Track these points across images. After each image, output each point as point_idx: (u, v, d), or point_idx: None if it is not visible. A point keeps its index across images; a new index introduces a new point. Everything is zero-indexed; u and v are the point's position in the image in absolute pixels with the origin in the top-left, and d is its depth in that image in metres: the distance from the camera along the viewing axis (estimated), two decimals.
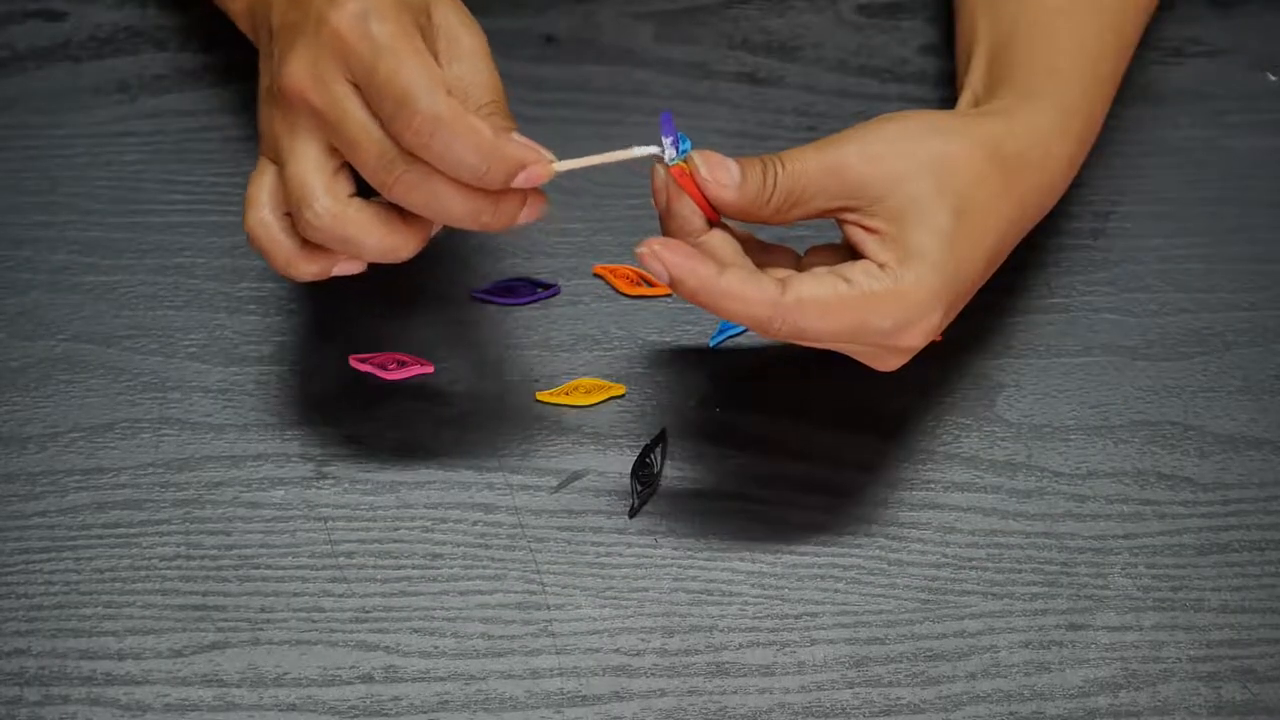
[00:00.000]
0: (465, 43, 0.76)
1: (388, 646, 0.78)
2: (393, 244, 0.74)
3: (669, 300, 0.88)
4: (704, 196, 0.75)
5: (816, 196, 0.75)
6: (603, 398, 0.85)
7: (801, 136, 0.93)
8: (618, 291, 0.89)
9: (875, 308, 0.74)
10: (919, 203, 0.74)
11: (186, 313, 0.87)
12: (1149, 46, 0.97)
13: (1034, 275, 0.89)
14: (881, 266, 0.74)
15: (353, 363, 0.85)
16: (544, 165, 0.73)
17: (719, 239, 0.76)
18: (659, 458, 0.83)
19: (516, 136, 0.73)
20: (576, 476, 0.82)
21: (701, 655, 0.79)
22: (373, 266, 0.75)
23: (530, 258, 0.89)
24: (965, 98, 0.83)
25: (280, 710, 0.77)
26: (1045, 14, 0.84)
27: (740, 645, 0.79)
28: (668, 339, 0.87)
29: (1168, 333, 0.88)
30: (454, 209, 0.73)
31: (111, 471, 0.82)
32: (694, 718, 0.77)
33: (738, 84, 0.95)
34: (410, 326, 0.87)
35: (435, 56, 0.74)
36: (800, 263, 0.78)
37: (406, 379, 0.85)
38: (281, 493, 0.82)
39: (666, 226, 0.75)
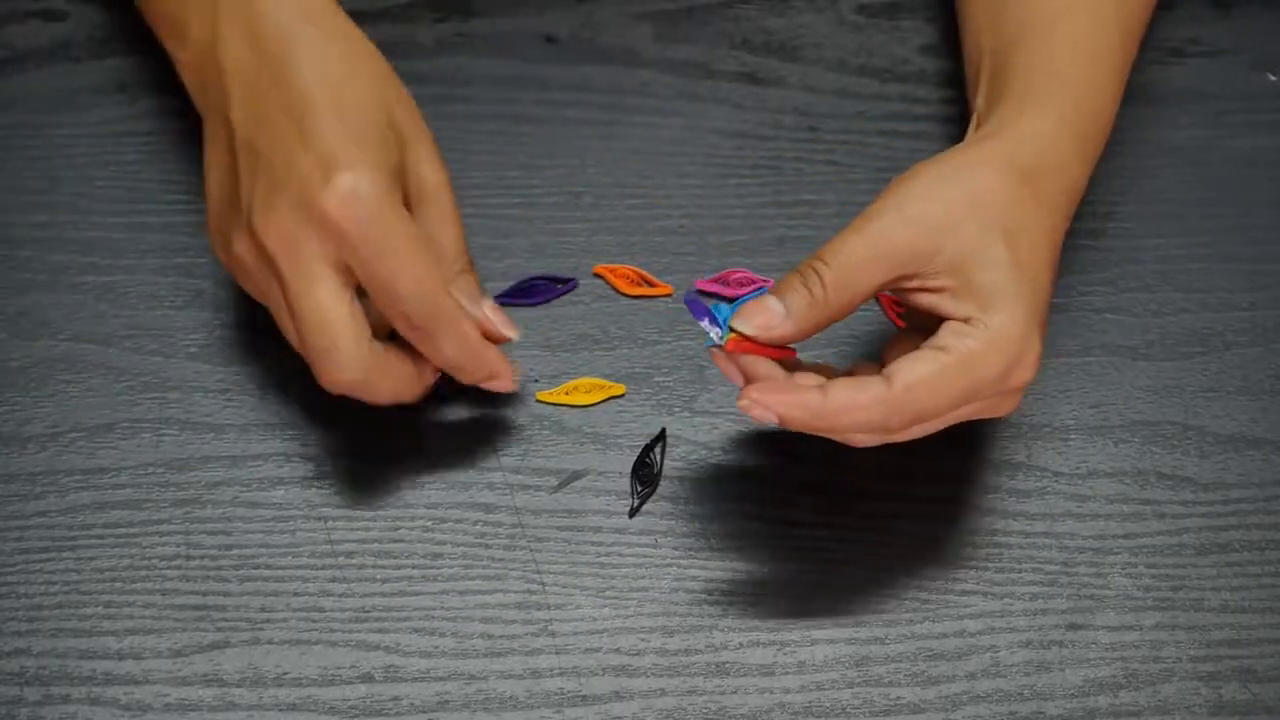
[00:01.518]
0: (430, 181, 0.80)
1: (388, 646, 0.78)
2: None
3: (669, 301, 0.88)
4: (767, 347, 0.75)
5: (870, 277, 0.74)
6: (603, 398, 0.85)
7: (801, 136, 0.93)
8: (618, 291, 0.89)
9: (980, 363, 0.73)
10: (971, 245, 0.74)
11: (187, 313, 0.87)
12: (1149, 47, 0.97)
13: None
14: (967, 321, 0.73)
15: None
16: (507, 382, 0.80)
17: (807, 371, 0.76)
18: (659, 458, 0.83)
19: (487, 310, 0.80)
20: (577, 476, 0.82)
21: (701, 655, 0.79)
22: None
23: (531, 258, 0.89)
24: (972, 121, 0.83)
25: (280, 710, 0.77)
26: (1043, 17, 0.83)
27: (740, 645, 0.79)
28: (668, 339, 0.87)
29: (1168, 333, 0.88)
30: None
31: (112, 471, 0.82)
32: (694, 717, 0.77)
33: (738, 84, 0.95)
34: None
35: (406, 199, 0.78)
36: (880, 366, 0.78)
37: None
38: (281, 492, 0.82)
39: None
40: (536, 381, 0.85)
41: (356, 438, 0.83)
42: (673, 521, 0.82)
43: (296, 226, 0.75)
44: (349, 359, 0.75)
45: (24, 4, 0.96)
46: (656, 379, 0.86)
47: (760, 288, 0.88)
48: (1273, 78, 0.96)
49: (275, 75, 0.77)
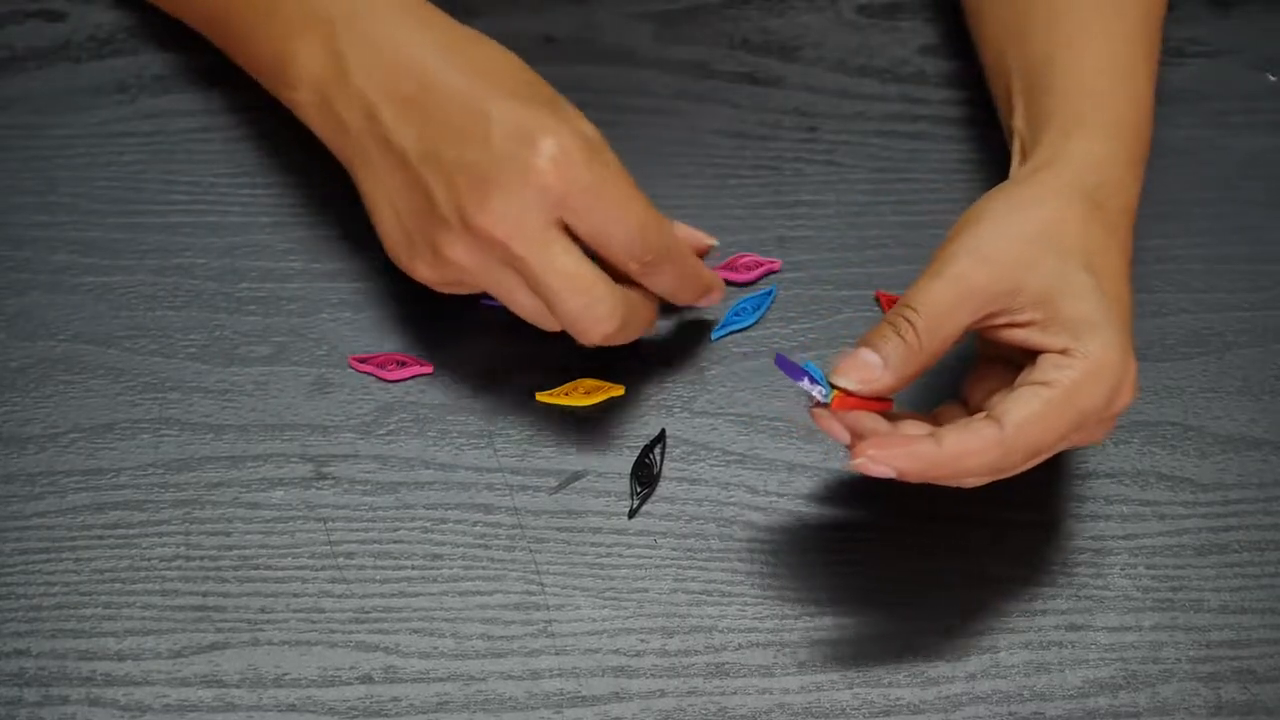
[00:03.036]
0: (590, 130, 0.79)
1: (387, 647, 0.78)
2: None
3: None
4: (868, 400, 0.75)
5: (959, 320, 0.74)
6: (603, 398, 0.85)
7: (801, 137, 0.93)
8: None
9: (1084, 393, 0.73)
10: (1054, 276, 0.74)
11: (186, 313, 0.87)
12: None
13: None
14: (1064, 353, 0.74)
15: (352, 363, 0.85)
16: (720, 292, 0.83)
17: (908, 419, 0.76)
18: (659, 458, 0.83)
19: (684, 230, 0.84)
20: (577, 477, 0.82)
21: (701, 656, 0.79)
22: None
23: None
24: (1015, 145, 0.83)
25: (280, 711, 0.77)
26: (1074, 34, 0.83)
27: (740, 646, 0.79)
28: (668, 339, 0.87)
29: (1167, 333, 0.88)
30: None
31: (111, 472, 0.82)
32: (693, 718, 0.77)
33: (737, 84, 0.95)
34: (410, 327, 0.86)
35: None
36: (964, 404, 0.79)
37: (406, 379, 0.85)
38: (281, 493, 0.82)
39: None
40: (537, 382, 0.85)
41: (356, 439, 0.83)
42: (672, 522, 0.82)
43: (521, 207, 0.76)
44: (610, 308, 0.78)
45: (24, 4, 0.96)
46: (656, 379, 0.86)
47: (769, 270, 0.88)
48: (1272, 78, 0.96)
49: (421, 81, 0.78)
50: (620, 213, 0.77)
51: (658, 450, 0.83)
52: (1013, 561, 0.81)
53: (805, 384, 0.74)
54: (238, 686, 0.77)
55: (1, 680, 0.77)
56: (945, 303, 0.74)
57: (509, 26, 0.96)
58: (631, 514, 0.82)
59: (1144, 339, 0.87)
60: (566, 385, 0.85)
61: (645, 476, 0.82)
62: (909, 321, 0.74)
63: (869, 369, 0.74)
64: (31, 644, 0.78)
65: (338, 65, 0.80)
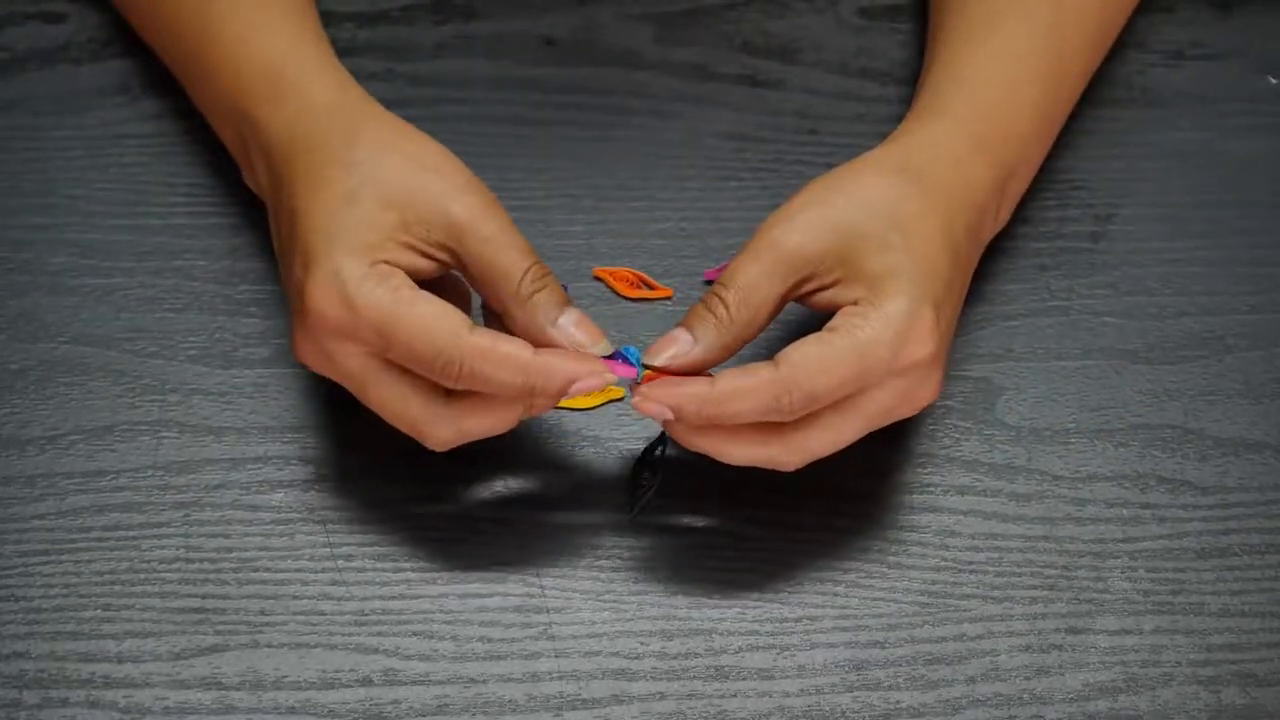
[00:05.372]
0: (459, 216, 0.76)
1: (387, 650, 0.78)
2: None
3: (669, 304, 0.88)
4: (683, 377, 0.75)
5: (769, 288, 0.75)
6: (602, 400, 0.85)
7: (802, 139, 0.93)
8: (617, 294, 0.88)
9: (867, 339, 0.74)
10: (859, 237, 0.75)
11: (186, 315, 0.87)
12: (1149, 49, 0.97)
13: (1034, 278, 0.89)
14: (856, 304, 0.75)
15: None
16: (595, 376, 0.75)
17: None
18: (659, 460, 0.83)
19: (564, 324, 0.75)
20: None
21: (701, 658, 0.78)
22: None
23: None
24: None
25: (279, 713, 0.77)
26: (973, 25, 0.85)
27: (740, 649, 0.79)
28: None
29: (1168, 336, 0.88)
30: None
31: (111, 474, 0.82)
32: None
33: (738, 86, 0.95)
34: None
35: (436, 247, 0.75)
36: None
37: None
38: (281, 495, 0.82)
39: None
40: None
41: (356, 441, 0.83)
42: (672, 525, 0.82)
43: (314, 344, 0.75)
44: (434, 430, 0.75)
45: (23, 6, 0.96)
46: None
47: None
48: (1273, 80, 0.96)
49: (277, 189, 0.80)
50: (409, 340, 0.74)
51: (658, 452, 0.83)
52: (1013, 565, 0.81)
53: (618, 365, 0.75)
54: (237, 689, 0.77)
55: (1, 682, 0.77)
56: (754, 273, 0.75)
57: (509, 28, 0.96)
58: (632, 516, 0.82)
59: (1144, 342, 0.87)
60: None
61: (646, 478, 0.82)
62: (719, 297, 0.75)
63: (679, 344, 0.75)
64: (31, 646, 0.78)
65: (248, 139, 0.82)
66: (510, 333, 0.76)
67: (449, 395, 0.75)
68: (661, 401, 0.74)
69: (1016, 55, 0.84)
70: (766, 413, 0.74)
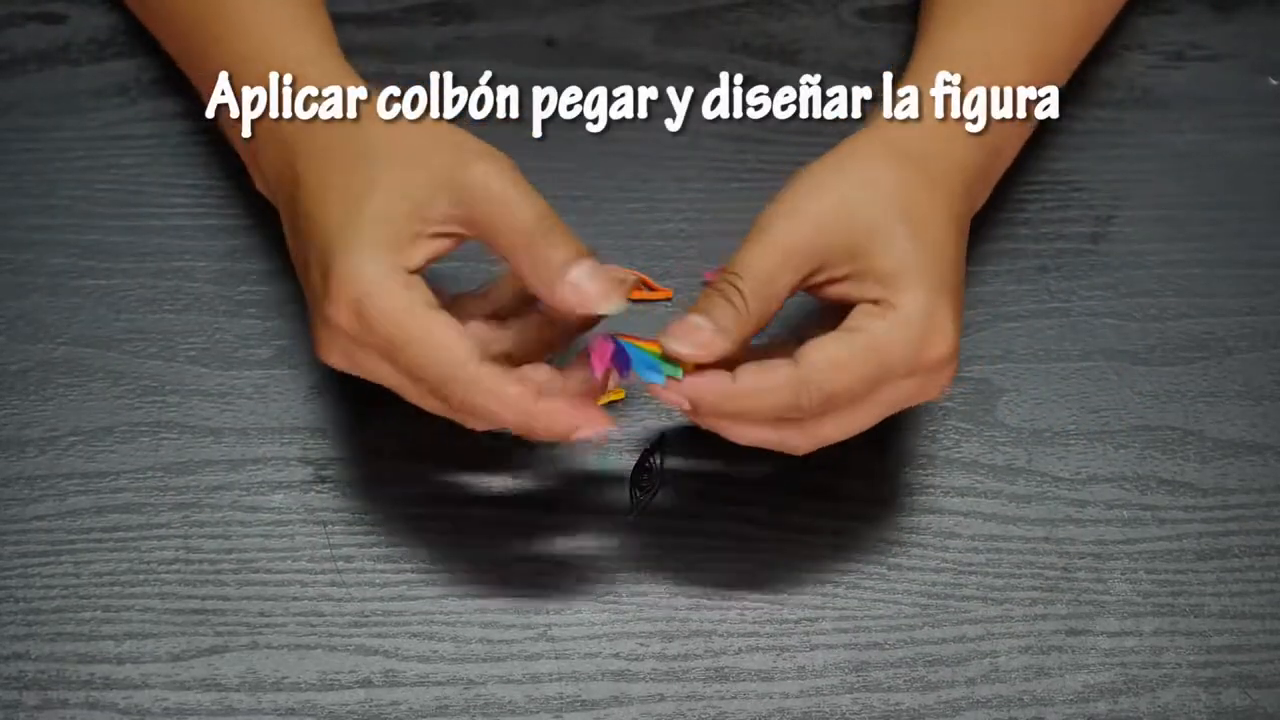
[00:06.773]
0: (476, 186, 0.75)
1: (387, 651, 0.78)
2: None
3: (670, 305, 0.88)
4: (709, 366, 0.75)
5: (783, 282, 0.74)
6: (602, 402, 0.84)
7: (802, 140, 0.93)
8: None
9: (888, 341, 0.73)
10: (869, 230, 0.75)
11: (186, 316, 0.87)
12: (1150, 51, 0.97)
13: (1034, 279, 0.89)
14: (876, 303, 0.74)
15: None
16: (590, 430, 0.74)
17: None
18: (659, 462, 0.83)
19: (576, 277, 0.73)
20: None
21: (701, 660, 0.78)
22: None
23: None
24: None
25: (279, 715, 0.77)
26: (960, 8, 0.85)
27: (740, 650, 0.79)
28: None
29: (1168, 337, 0.88)
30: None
31: (111, 475, 0.82)
32: None
33: (738, 87, 0.95)
34: None
35: (454, 222, 0.75)
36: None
37: None
38: (280, 497, 0.82)
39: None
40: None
41: (355, 442, 0.83)
42: (672, 526, 0.82)
43: (336, 348, 0.75)
44: (503, 407, 0.74)
45: (23, 7, 0.96)
46: None
47: None
48: (1274, 82, 0.96)
49: (293, 194, 0.79)
50: (417, 359, 0.74)
51: (658, 454, 0.83)
52: (1013, 566, 0.81)
53: (642, 371, 0.74)
54: (237, 690, 0.77)
55: (1, 683, 0.77)
56: (768, 267, 0.74)
57: (510, 29, 0.96)
58: (632, 517, 0.82)
59: (1144, 344, 0.87)
60: None
61: (646, 481, 0.82)
62: (735, 287, 0.74)
63: (700, 332, 0.74)
64: (30, 647, 0.78)
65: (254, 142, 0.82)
66: (526, 290, 0.75)
67: None
68: (683, 393, 0.74)
69: (1003, 38, 0.84)
70: (785, 410, 0.73)
